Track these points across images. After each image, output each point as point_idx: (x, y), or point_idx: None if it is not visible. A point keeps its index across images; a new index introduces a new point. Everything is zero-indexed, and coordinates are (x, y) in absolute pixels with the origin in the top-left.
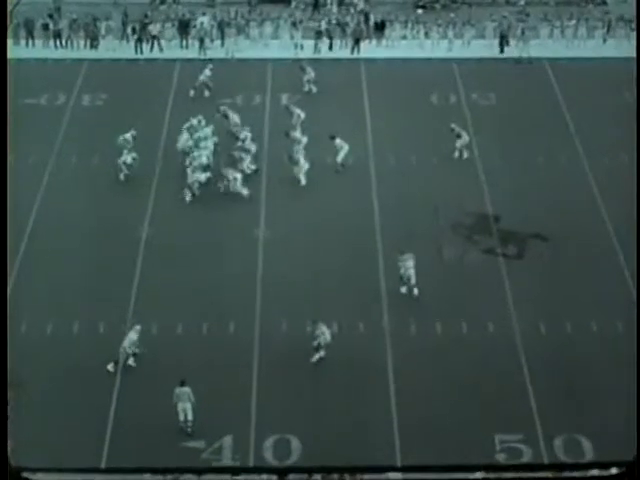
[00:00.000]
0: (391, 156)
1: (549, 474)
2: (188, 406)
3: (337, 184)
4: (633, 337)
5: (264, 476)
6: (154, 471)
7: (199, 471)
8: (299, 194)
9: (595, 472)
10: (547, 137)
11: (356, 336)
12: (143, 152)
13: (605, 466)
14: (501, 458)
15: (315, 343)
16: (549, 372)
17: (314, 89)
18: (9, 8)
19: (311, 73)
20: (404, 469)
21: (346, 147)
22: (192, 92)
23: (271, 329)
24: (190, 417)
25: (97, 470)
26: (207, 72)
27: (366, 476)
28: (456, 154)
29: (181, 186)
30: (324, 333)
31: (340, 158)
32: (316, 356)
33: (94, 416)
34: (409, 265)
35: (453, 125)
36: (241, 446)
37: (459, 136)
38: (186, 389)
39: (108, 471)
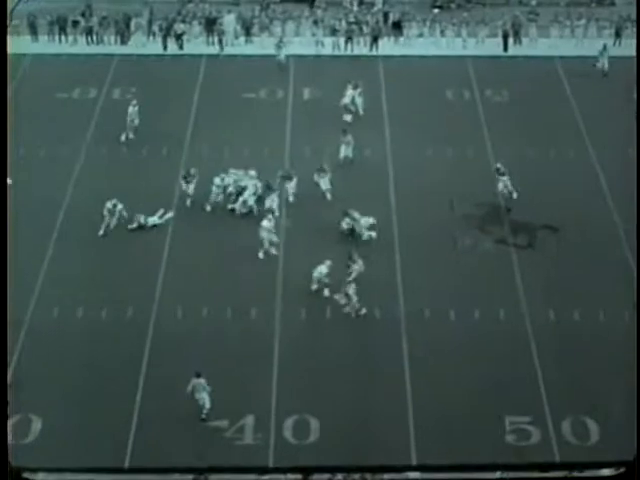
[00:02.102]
0: (408, 149)
1: (549, 474)
2: (204, 395)
3: (356, 175)
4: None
5: (289, 475)
6: (162, 471)
7: (224, 470)
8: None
9: (595, 472)
10: (557, 132)
11: (373, 323)
12: (170, 142)
13: (605, 466)
14: (511, 439)
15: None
16: (558, 357)
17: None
18: (9, 8)
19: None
20: (423, 468)
21: (352, 143)
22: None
23: (290, 317)
24: (208, 405)
25: (97, 470)
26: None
27: (386, 475)
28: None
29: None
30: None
31: (348, 152)
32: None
33: (120, 398)
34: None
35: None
36: (262, 426)
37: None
38: (201, 380)
39: (109, 471)
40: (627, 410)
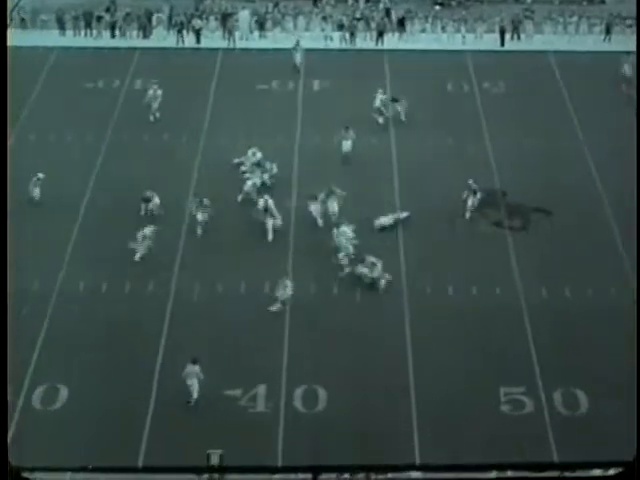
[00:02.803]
0: (410, 137)
1: (549, 474)
2: (195, 382)
3: (362, 162)
4: (625, 301)
5: (300, 475)
6: (174, 470)
7: (236, 470)
8: (333, 170)
9: (595, 472)
10: (550, 121)
11: (377, 299)
12: (189, 129)
13: (605, 466)
14: (506, 409)
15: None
16: (550, 331)
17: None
18: (9, 7)
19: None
20: (425, 468)
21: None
22: None
23: (300, 294)
24: (195, 395)
25: (98, 470)
26: None
27: (390, 475)
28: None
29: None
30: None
31: (348, 148)
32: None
33: (141, 367)
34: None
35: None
36: (274, 395)
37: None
38: (196, 367)
39: (109, 470)
40: (615, 380)
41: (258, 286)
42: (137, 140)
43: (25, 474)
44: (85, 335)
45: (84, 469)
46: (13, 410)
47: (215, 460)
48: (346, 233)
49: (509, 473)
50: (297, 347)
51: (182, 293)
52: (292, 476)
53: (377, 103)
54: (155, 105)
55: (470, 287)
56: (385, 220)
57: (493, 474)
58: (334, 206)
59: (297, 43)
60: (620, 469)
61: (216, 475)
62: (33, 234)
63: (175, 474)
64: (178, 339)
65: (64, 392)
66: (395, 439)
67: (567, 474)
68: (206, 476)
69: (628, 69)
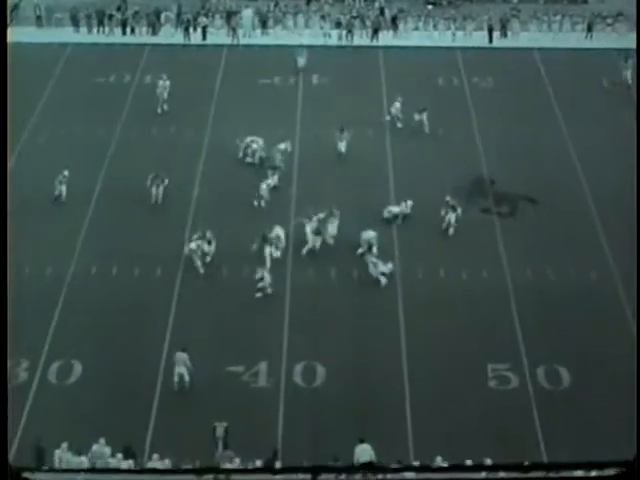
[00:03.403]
0: (404, 128)
1: (549, 474)
2: (184, 370)
3: (357, 150)
4: (604, 283)
5: (300, 475)
6: (179, 472)
7: (234, 471)
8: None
9: (595, 472)
10: (535, 114)
11: (372, 281)
12: (195, 122)
13: (605, 466)
14: (493, 384)
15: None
16: (534, 311)
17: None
18: (9, 7)
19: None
20: (419, 469)
21: (347, 140)
22: None
23: (299, 277)
24: (187, 379)
25: (98, 470)
26: None
27: (389, 476)
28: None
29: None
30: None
31: (342, 148)
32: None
33: (150, 344)
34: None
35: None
36: (274, 371)
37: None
38: (184, 355)
39: (108, 471)
40: (596, 358)
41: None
42: (146, 132)
43: (25, 474)
44: (97, 315)
45: (84, 470)
46: (30, 384)
47: (220, 432)
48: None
49: (510, 474)
50: (297, 327)
51: (188, 277)
52: (292, 476)
53: (394, 111)
54: (165, 95)
55: (460, 271)
56: (395, 209)
57: (482, 474)
58: (334, 228)
59: (300, 47)
60: (620, 469)
61: (222, 476)
62: (47, 222)
63: (175, 474)
64: (184, 319)
65: (78, 367)
66: (389, 412)
67: (566, 474)
68: (211, 476)
69: (629, 76)
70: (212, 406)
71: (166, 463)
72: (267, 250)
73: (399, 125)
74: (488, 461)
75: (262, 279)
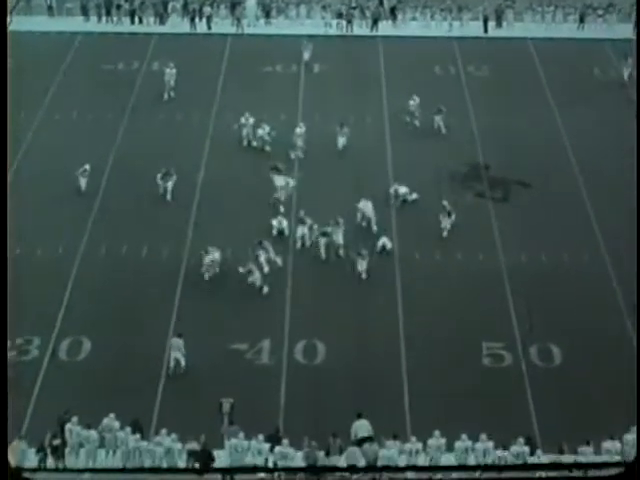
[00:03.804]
0: (402, 114)
1: (548, 474)
2: (179, 355)
3: (356, 136)
4: (595, 265)
5: (301, 475)
6: (180, 471)
7: (242, 471)
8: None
9: (595, 472)
10: (529, 101)
11: (371, 265)
12: (200, 108)
13: (605, 466)
14: (487, 362)
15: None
16: (527, 292)
17: None
18: (9, 7)
19: None
20: (421, 469)
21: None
22: None
23: (300, 260)
24: (182, 364)
25: (97, 470)
26: None
27: (385, 475)
28: None
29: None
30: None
31: (343, 142)
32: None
33: (156, 322)
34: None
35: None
36: (277, 348)
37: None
38: (180, 341)
39: (109, 471)
40: (585, 336)
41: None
42: (153, 117)
43: (26, 474)
44: (106, 294)
45: (84, 470)
46: (41, 360)
47: (227, 408)
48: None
49: (511, 474)
50: (298, 307)
51: (194, 257)
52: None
53: (411, 107)
54: (172, 83)
55: (455, 252)
56: (402, 190)
57: (477, 474)
58: (339, 238)
59: (306, 41)
60: (620, 469)
61: (228, 477)
62: (58, 205)
63: (176, 474)
64: (191, 298)
65: (87, 344)
66: (387, 388)
67: (566, 474)
68: (219, 477)
69: (626, 75)
70: (217, 382)
71: (173, 437)
72: (262, 257)
73: (417, 124)
74: (484, 438)
75: (250, 272)
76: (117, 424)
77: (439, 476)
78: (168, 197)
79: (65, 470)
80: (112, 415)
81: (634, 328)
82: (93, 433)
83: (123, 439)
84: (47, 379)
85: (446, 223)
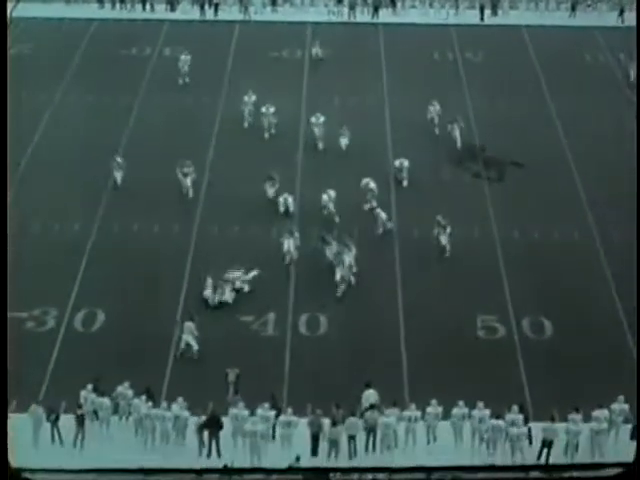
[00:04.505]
0: (401, 97)
1: (549, 475)
2: (191, 338)
3: (357, 118)
4: (585, 241)
5: (291, 475)
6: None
7: (246, 471)
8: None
9: (595, 472)
10: (523, 86)
11: (371, 241)
12: (210, 91)
13: (605, 466)
14: (482, 334)
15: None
16: (520, 268)
17: None
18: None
19: None
20: (419, 469)
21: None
22: None
23: (305, 239)
24: (195, 348)
25: (97, 470)
26: None
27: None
28: None
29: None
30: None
31: (345, 142)
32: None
33: (167, 297)
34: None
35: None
36: (282, 321)
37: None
38: (191, 324)
39: (109, 471)
40: (575, 310)
41: (267, 232)
42: (165, 101)
43: (25, 474)
44: (119, 268)
45: (86, 470)
46: (58, 331)
47: (232, 377)
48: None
49: (511, 474)
50: (302, 282)
51: (203, 232)
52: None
53: (432, 114)
54: (185, 69)
55: (452, 228)
56: (405, 163)
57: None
58: (350, 259)
59: (314, 38)
60: (620, 469)
61: (236, 476)
62: (73, 181)
63: (177, 474)
64: (200, 274)
65: (101, 316)
66: (386, 359)
67: (566, 474)
68: (226, 477)
69: (632, 75)
70: (225, 352)
71: (181, 405)
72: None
73: (436, 132)
74: (481, 406)
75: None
76: (130, 392)
77: (441, 476)
78: (190, 194)
79: (65, 470)
80: (126, 384)
81: (621, 302)
82: (106, 400)
83: (136, 406)
84: (63, 349)
85: (443, 239)
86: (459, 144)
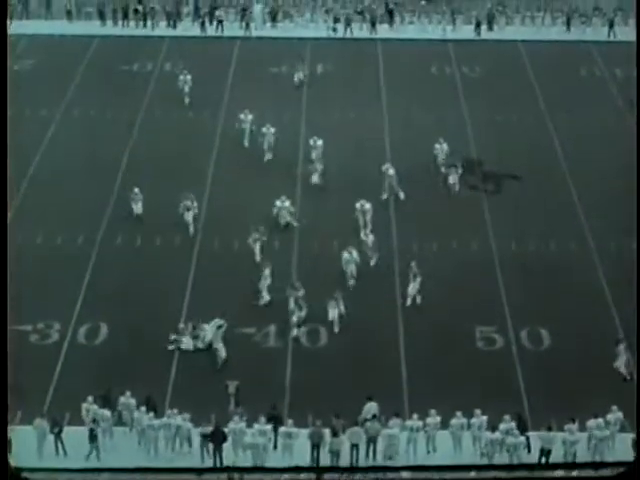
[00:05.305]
0: (400, 112)
1: (549, 474)
2: (220, 346)
3: (355, 129)
4: (581, 253)
5: (303, 475)
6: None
7: (243, 470)
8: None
9: (595, 472)
10: (520, 100)
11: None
12: (211, 106)
13: (605, 466)
14: (480, 345)
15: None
16: (517, 279)
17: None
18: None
19: None
20: (418, 469)
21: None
22: None
23: (306, 248)
24: (223, 355)
25: (97, 470)
26: None
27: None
28: None
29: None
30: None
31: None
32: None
33: (169, 307)
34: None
35: None
36: (282, 332)
37: None
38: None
39: (109, 471)
40: (572, 321)
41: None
42: (166, 116)
43: (25, 474)
44: (122, 281)
45: (84, 470)
46: (61, 344)
47: (232, 389)
48: None
49: (510, 474)
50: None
51: (205, 247)
52: (296, 476)
53: (439, 155)
54: (186, 89)
55: (451, 242)
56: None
57: (472, 474)
58: (341, 308)
59: (302, 62)
60: (620, 469)
61: (237, 475)
62: (76, 194)
63: (177, 474)
64: (202, 285)
65: (104, 329)
66: (386, 370)
67: (566, 475)
68: (225, 476)
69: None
70: (227, 363)
71: (184, 416)
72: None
73: (443, 170)
74: (479, 413)
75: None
76: (133, 402)
77: (439, 476)
78: (191, 230)
79: (65, 470)
80: (128, 393)
81: (618, 313)
82: (107, 412)
83: (138, 418)
84: (67, 362)
85: (413, 289)
86: (457, 189)
